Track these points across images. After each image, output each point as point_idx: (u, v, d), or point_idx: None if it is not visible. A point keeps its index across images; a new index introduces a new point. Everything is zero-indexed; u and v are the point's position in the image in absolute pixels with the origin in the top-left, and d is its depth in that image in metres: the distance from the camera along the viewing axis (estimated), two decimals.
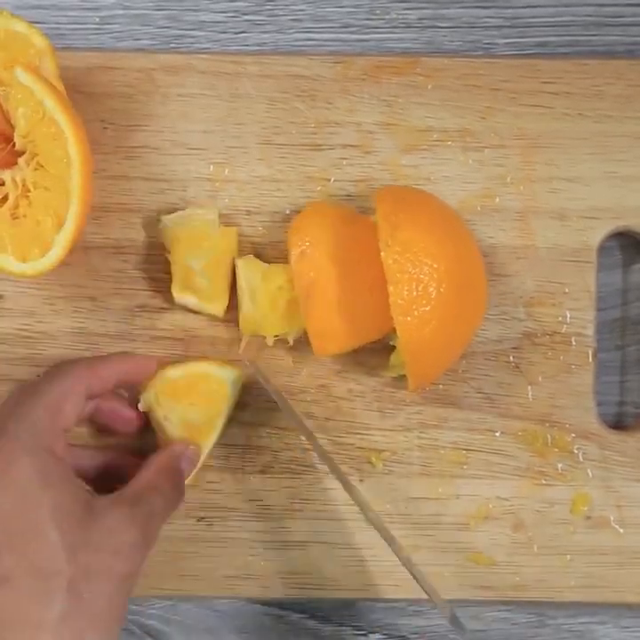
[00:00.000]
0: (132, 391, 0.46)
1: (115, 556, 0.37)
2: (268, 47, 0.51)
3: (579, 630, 0.50)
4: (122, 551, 0.37)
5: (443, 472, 0.47)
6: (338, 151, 0.48)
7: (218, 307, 0.46)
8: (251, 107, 0.48)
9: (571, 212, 0.48)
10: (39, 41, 0.43)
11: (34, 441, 0.38)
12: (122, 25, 0.51)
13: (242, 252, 0.47)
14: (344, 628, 0.50)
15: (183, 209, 0.47)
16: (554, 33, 0.51)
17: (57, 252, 0.43)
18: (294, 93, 0.48)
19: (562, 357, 0.48)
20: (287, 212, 0.48)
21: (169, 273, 0.46)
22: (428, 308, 0.41)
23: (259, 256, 0.47)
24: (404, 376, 0.44)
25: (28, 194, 0.43)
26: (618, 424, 0.49)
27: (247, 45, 0.51)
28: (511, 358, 0.48)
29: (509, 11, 0.51)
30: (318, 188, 0.48)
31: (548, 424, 0.47)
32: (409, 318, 0.41)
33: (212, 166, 0.48)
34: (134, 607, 0.50)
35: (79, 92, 0.48)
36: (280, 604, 0.50)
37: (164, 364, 0.46)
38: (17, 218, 0.43)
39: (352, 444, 0.48)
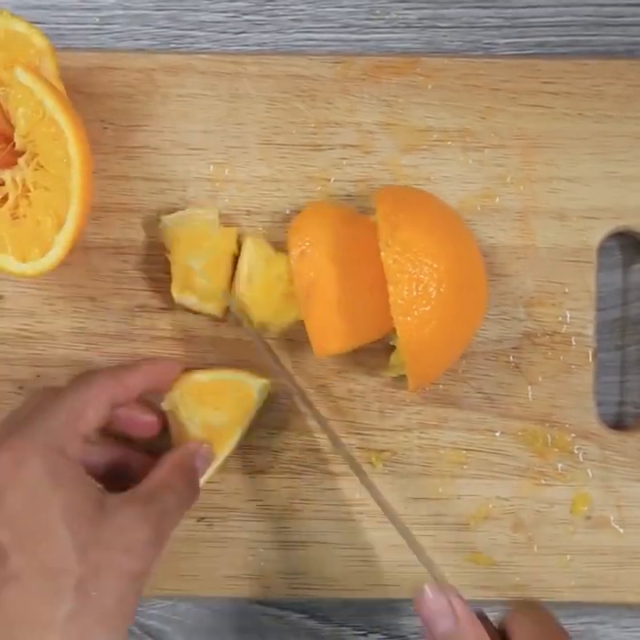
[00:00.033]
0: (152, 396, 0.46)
1: (126, 553, 0.37)
2: (268, 47, 0.51)
3: (579, 630, 0.50)
4: (133, 549, 0.37)
5: (443, 472, 0.47)
6: (338, 151, 0.48)
7: (218, 307, 0.46)
8: (251, 107, 0.48)
9: (571, 212, 0.48)
10: (39, 41, 0.43)
11: (46, 441, 0.37)
12: (122, 25, 0.51)
13: None
14: (344, 627, 0.50)
15: (183, 209, 0.47)
16: (554, 33, 0.51)
17: (57, 252, 0.43)
18: (294, 93, 0.48)
19: (562, 357, 0.48)
20: (287, 212, 0.48)
21: (169, 273, 0.46)
22: (427, 308, 0.41)
23: None
24: (404, 376, 0.44)
25: (28, 194, 0.43)
26: (618, 424, 0.49)
27: (247, 45, 0.51)
28: (511, 358, 0.48)
29: (509, 11, 0.51)
30: (318, 188, 0.48)
31: (548, 424, 0.47)
32: (409, 318, 0.41)
33: (212, 166, 0.48)
34: None
35: (79, 92, 0.48)
36: (280, 604, 0.50)
37: (190, 368, 0.46)
38: (17, 218, 0.43)
39: (352, 445, 0.48)
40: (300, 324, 0.46)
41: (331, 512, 0.47)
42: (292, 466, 0.47)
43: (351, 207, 0.48)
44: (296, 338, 0.48)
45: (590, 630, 0.50)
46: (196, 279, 0.46)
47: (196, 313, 0.47)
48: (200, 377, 0.45)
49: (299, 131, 0.48)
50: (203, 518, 0.47)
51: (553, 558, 0.47)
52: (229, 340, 0.48)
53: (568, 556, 0.47)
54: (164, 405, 0.45)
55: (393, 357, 0.46)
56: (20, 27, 0.43)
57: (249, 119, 0.48)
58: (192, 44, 0.51)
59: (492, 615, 0.50)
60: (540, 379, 0.48)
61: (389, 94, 0.48)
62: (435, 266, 0.41)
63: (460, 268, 0.42)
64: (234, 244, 0.47)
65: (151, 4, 0.51)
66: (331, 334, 0.44)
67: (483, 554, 0.47)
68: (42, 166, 0.42)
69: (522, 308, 0.48)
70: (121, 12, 0.51)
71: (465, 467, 0.47)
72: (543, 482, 0.47)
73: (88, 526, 0.36)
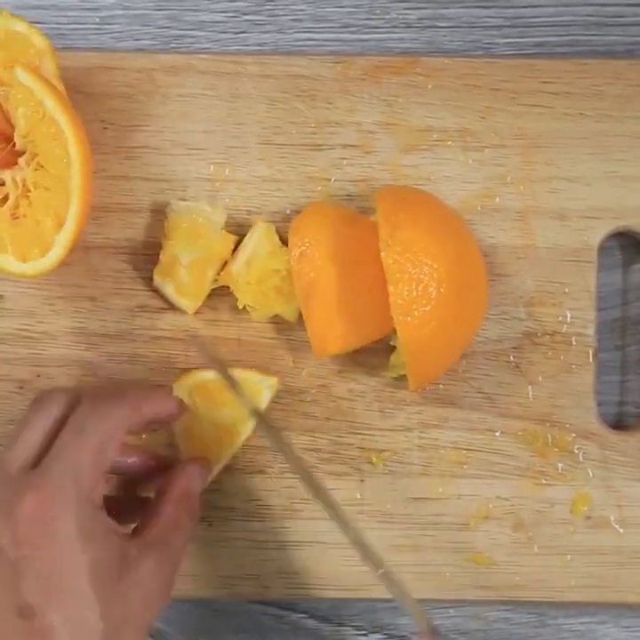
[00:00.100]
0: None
1: (143, 605, 0.38)
2: (269, 47, 0.51)
3: (579, 630, 0.50)
4: (150, 600, 0.38)
5: (443, 472, 0.47)
6: (338, 151, 0.48)
7: (190, 304, 0.47)
8: (251, 107, 0.48)
9: (571, 212, 0.48)
10: (39, 41, 0.44)
11: (78, 491, 0.37)
12: (122, 25, 0.51)
13: None
14: (344, 627, 0.50)
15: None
16: (554, 33, 0.51)
17: (57, 251, 0.43)
18: (294, 93, 0.48)
19: (562, 357, 0.48)
20: (287, 212, 0.48)
21: None
22: (428, 308, 0.41)
23: None
24: (405, 376, 0.44)
25: (29, 194, 0.43)
26: (618, 424, 0.49)
27: (247, 45, 0.51)
28: (511, 358, 0.48)
29: (510, 10, 0.51)
30: (318, 188, 0.48)
31: (548, 424, 0.47)
32: (409, 318, 0.41)
33: (212, 166, 0.48)
34: None
35: (79, 92, 0.48)
36: (280, 604, 0.50)
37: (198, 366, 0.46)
38: (17, 218, 0.43)
39: (352, 444, 0.48)
40: (300, 324, 0.46)
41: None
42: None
43: (351, 207, 0.48)
44: (296, 338, 0.48)
45: (590, 630, 0.50)
46: (180, 271, 0.46)
47: (170, 305, 0.47)
48: (207, 375, 0.45)
49: (299, 131, 0.48)
50: (203, 518, 0.47)
51: (553, 558, 0.47)
52: (230, 339, 0.48)
53: (568, 556, 0.47)
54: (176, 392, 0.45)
55: (393, 357, 0.46)
56: (20, 27, 0.43)
57: (249, 119, 0.48)
58: (192, 43, 0.51)
59: (493, 615, 0.50)
60: (540, 378, 0.48)
61: (389, 94, 0.48)
62: (435, 266, 0.41)
63: (460, 268, 0.42)
64: (228, 250, 0.46)
65: (151, 4, 0.51)
66: (331, 334, 0.44)
67: (483, 554, 0.47)
68: (42, 166, 0.42)
69: (522, 307, 0.48)
70: (121, 12, 0.51)
71: (465, 466, 0.47)
72: (543, 482, 0.47)
73: (112, 582, 0.36)
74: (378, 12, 0.51)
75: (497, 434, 0.48)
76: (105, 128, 0.48)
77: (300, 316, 0.45)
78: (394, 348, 0.46)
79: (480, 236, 0.48)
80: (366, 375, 0.48)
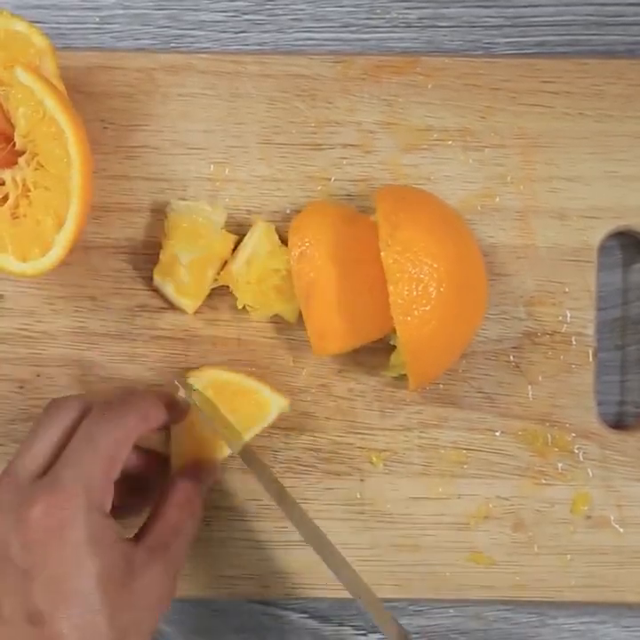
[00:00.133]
0: None
1: (149, 612, 0.38)
2: (269, 47, 0.51)
3: (579, 630, 0.50)
4: (155, 606, 0.38)
5: (443, 472, 0.47)
6: (338, 151, 0.48)
7: (190, 304, 0.47)
8: (251, 106, 0.48)
9: (571, 212, 0.48)
10: (39, 40, 0.44)
11: (88, 499, 0.37)
12: (122, 25, 0.51)
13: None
14: (344, 627, 0.50)
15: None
16: (554, 32, 0.51)
17: (57, 251, 0.43)
18: (294, 93, 0.48)
19: (562, 357, 0.48)
20: (287, 211, 0.48)
21: None
22: (427, 308, 0.41)
23: None
24: (405, 375, 0.44)
25: (29, 193, 0.43)
26: (618, 424, 0.49)
27: (247, 45, 0.51)
28: (511, 358, 0.48)
29: (510, 10, 0.51)
30: (319, 188, 0.48)
31: (548, 423, 0.47)
32: (409, 318, 0.41)
33: (212, 166, 0.48)
34: None
35: (79, 92, 0.48)
36: (280, 604, 0.50)
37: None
38: (17, 217, 0.43)
39: (352, 444, 0.48)
40: (300, 324, 0.46)
41: (330, 512, 0.47)
42: (292, 466, 0.47)
43: (351, 207, 0.48)
44: (296, 337, 0.48)
45: (590, 630, 0.50)
46: (180, 271, 0.46)
47: (170, 304, 0.47)
48: (227, 376, 0.46)
49: (299, 130, 0.48)
50: (202, 518, 0.47)
51: (553, 558, 0.47)
52: (229, 339, 0.48)
53: (568, 556, 0.47)
54: (182, 393, 0.45)
55: (393, 357, 0.46)
56: (21, 26, 0.43)
57: (249, 118, 0.48)
58: (192, 43, 0.51)
59: (493, 615, 0.50)
60: (540, 378, 0.48)
61: (390, 94, 0.48)
62: (435, 265, 0.41)
63: (460, 268, 0.42)
64: (228, 250, 0.46)
65: (151, 4, 0.51)
66: (331, 334, 0.44)
67: (483, 553, 0.47)
68: (42, 166, 0.42)
69: (522, 307, 0.48)
70: (121, 12, 0.51)
71: (465, 466, 0.47)
72: (543, 481, 0.47)
73: (119, 589, 0.36)
74: (378, 11, 0.51)
75: (497, 433, 0.48)
76: (105, 128, 0.48)
77: (300, 315, 0.45)
78: (394, 347, 0.46)
79: (480, 235, 0.48)
80: (366, 375, 0.48)
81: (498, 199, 0.48)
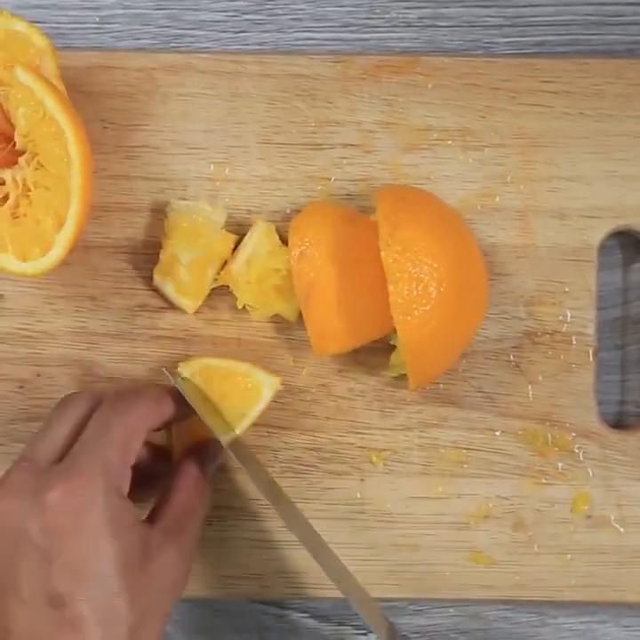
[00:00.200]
0: None
1: (164, 594, 0.38)
2: (269, 46, 0.51)
3: (579, 629, 0.50)
4: (169, 589, 0.39)
5: (443, 471, 0.47)
6: (338, 150, 0.48)
7: (190, 304, 0.47)
8: (251, 106, 0.48)
9: (571, 211, 0.48)
10: (39, 40, 0.43)
11: (106, 481, 0.37)
12: (122, 24, 0.51)
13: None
14: (344, 627, 0.50)
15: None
16: (554, 32, 0.51)
17: (57, 251, 0.43)
18: (294, 93, 0.48)
19: (562, 356, 0.48)
20: (287, 211, 0.48)
21: None
22: (427, 308, 0.41)
23: None
24: (405, 375, 0.44)
25: (29, 193, 0.43)
26: (618, 423, 0.49)
27: (247, 45, 0.51)
28: (511, 357, 0.48)
29: (510, 10, 0.51)
30: (319, 188, 0.48)
31: (548, 423, 0.47)
32: (409, 317, 0.41)
33: (212, 166, 0.48)
34: None
35: (79, 92, 0.48)
36: (280, 604, 0.50)
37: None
38: (17, 217, 0.43)
39: (352, 444, 0.48)
40: (300, 323, 0.46)
41: (331, 512, 0.47)
42: (293, 466, 0.47)
43: (351, 206, 0.48)
44: (296, 337, 0.48)
45: (590, 629, 0.50)
46: (180, 271, 0.46)
47: (170, 304, 0.47)
48: (213, 362, 0.46)
49: (299, 130, 0.48)
50: (205, 517, 0.47)
51: (553, 557, 0.47)
52: (229, 339, 0.48)
53: (568, 556, 0.47)
54: (173, 382, 0.45)
55: (393, 357, 0.46)
56: (20, 26, 0.43)
57: (249, 118, 0.48)
58: (192, 43, 0.51)
59: (493, 614, 0.50)
60: (540, 378, 0.48)
61: (389, 93, 0.48)
62: (435, 265, 0.41)
63: (460, 268, 0.42)
64: (228, 250, 0.47)
65: (151, 4, 0.51)
66: (330, 334, 0.44)
67: (483, 553, 0.47)
68: (42, 166, 0.42)
69: (522, 307, 0.48)
70: (121, 12, 0.51)
71: (465, 466, 0.47)
72: (543, 481, 0.47)
73: (137, 572, 0.37)
74: (378, 11, 0.51)
75: (497, 433, 0.48)
76: (105, 127, 0.48)
77: (300, 315, 0.45)
78: (394, 347, 0.46)
79: (480, 235, 0.48)
80: (366, 374, 0.48)
81: (498, 199, 0.48)
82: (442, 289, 0.41)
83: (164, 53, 0.49)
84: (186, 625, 0.50)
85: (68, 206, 0.42)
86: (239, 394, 0.45)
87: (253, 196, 0.48)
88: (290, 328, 0.48)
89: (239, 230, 0.47)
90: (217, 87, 0.48)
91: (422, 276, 0.41)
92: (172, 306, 0.47)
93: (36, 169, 0.42)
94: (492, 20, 0.51)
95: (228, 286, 0.46)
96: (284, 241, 0.46)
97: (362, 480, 0.47)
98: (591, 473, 0.47)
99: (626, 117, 0.48)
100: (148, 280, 0.47)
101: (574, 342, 0.48)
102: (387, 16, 0.51)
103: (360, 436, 0.48)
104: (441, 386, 0.48)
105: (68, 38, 0.51)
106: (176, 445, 0.46)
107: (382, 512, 0.47)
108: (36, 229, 0.43)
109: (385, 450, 0.48)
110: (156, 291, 0.47)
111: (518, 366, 0.48)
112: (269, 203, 0.48)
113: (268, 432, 0.47)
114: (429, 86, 0.48)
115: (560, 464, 0.47)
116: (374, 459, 0.47)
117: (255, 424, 0.47)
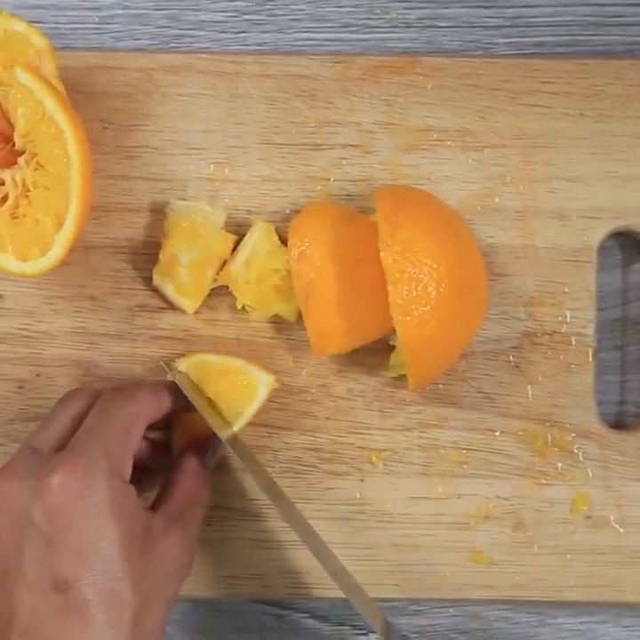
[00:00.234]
0: None
1: (167, 580, 0.39)
2: (268, 47, 0.51)
3: (579, 629, 0.50)
4: (173, 575, 0.39)
5: (443, 471, 0.47)
6: (338, 151, 0.48)
7: (189, 304, 0.47)
8: (251, 106, 0.48)
9: (571, 212, 0.48)
10: (39, 41, 0.43)
11: (108, 466, 0.37)
12: (121, 25, 0.51)
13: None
14: (344, 627, 0.50)
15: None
16: (553, 33, 0.51)
17: (57, 251, 0.43)
18: (294, 93, 0.48)
19: (562, 357, 0.48)
20: (287, 211, 0.48)
21: None
22: (427, 308, 0.41)
23: None
24: (404, 376, 0.44)
25: (28, 193, 0.43)
26: (618, 423, 0.49)
27: (247, 45, 0.51)
28: (511, 358, 0.48)
29: (509, 10, 0.51)
30: (318, 188, 0.48)
31: (548, 423, 0.47)
32: (408, 318, 0.41)
33: (212, 166, 0.48)
34: None
35: (79, 92, 0.48)
36: (280, 604, 0.50)
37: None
38: (17, 217, 0.43)
39: (352, 444, 0.48)
40: (300, 324, 0.46)
41: (330, 512, 0.47)
42: (293, 466, 0.47)
43: (351, 207, 0.48)
44: (296, 337, 0.48)
45: (590, 629, 0.50)
46: (180, 271, 0.46)
47: (169, 304, 0.47)
48: (209, 357, 0.46)
49: (299, 130, 0.48)
50: (205, 516, 0.47)
51: (553, 558, 0.47)
52: (229, 339, 0.48)
53: (568, 556, 0.47)
54: (171, 375, 0.45)
55: (393, 357, 0.46)
56: (20, 26, 0.43)
57: (249, 119, 0.48)
58: (192, 43, 0.51)
59: (493, 614, 0.50)
60: (540, 378, 0.48)
61: (389, 94, 0.48)
62: (434, 266, 0.41)
63: (459, 268, 0.42)
64: (228, 250, 0.47)
65: (151, 4, 0.51)
66: (330, 334, 0.44)
67: (483, 553, 0.47)
68: (41, 166, 0.42)
69: (522, 307, 0.48)
70: (120, 12, 0.51)
71: (465, 466, 0.47)
72: (543, 481, 0.47)
73: (140, 556, 0.37)
74: (377, 11, 0.51)
75: (497, 433, 0.48)
76: (104, 128, 0.48)
77: (300, 315, 0.45)
78: (394, 347, 0.46)
79: (480, 235, 0.48)
80: (366, 375, 0.48)
81: (497, 199, 0.48)
82: (441, 289, 0.41)
83: (163, 54, 0.49)
84: (187, 625, 0.50)
85: (67, 206, 0.42)
86: (234, 392, 0.45)
87: (253, 196, 0.48)
88: (289, 328, 0.48)
89: (239, 230, 0.47)
90: (217, 87, 0.48)
91: (422, 276, 0.41)
92: (171, 306, 0.47)
93: (36, 169, 0.42)
94: (491, 21, 0.51)
95: (227, 286, 0.46)
96: (284, 241, 0.46)
97: (362, 480, 0.47)
98: (591, 473, 0.47)
99: (626, 118, 0.48)
100: (148, 280, 0.47)
101: (574, 343, 0.48)
102: (386, 16, 0.51)
103: (360, 436, 0.48)
104: (441, 386, 0.48)
105: (67, 38, 0.50)
106: (175, 441, 0.46)
107: (382, 512, 0.47)
108: (35, 229, 0.43)
109: (385, 450, 0.48)
110: (156, 291, 0.47)
111: (518, 367, 0.48)
112: (269, 203, 0.48)
113: (267, 432, 0.47)
114: (429, 87, 0.48)
115: (560, 464, 0.47)
116: (374, 459, 0.47)
117: (255, 424, 0.47)
